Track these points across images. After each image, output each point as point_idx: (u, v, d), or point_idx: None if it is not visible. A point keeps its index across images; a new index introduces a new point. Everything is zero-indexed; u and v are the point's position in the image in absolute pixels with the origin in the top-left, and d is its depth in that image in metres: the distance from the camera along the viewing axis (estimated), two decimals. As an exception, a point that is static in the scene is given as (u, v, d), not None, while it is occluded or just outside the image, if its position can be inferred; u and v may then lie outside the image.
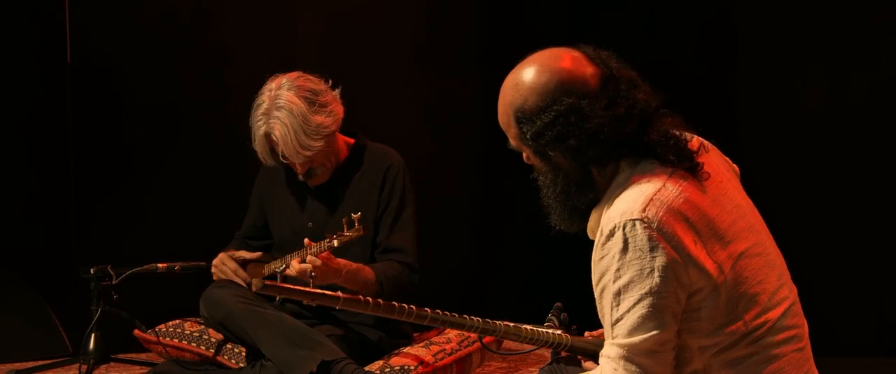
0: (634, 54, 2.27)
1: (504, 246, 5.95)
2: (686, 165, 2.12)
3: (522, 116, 2.14)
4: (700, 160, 2.15)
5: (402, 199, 3.82)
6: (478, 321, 2.31)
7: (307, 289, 2.27)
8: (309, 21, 5.67)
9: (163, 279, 4.11)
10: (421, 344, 3.89)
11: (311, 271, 3.45)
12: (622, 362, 2.06)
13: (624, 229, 2.04)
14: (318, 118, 3.69)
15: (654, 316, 2.03)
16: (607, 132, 2.08)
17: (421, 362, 3.75)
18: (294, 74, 3.78)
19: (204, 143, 5.39)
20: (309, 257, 3.50)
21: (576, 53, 2.16)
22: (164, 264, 4.06)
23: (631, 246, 2.03)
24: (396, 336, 3.92)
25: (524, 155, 2.25)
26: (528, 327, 2.35)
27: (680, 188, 2.08)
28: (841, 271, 4.75)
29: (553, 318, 2.72)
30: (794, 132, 4.96)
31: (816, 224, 4.86)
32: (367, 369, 3.62)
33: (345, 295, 2.27)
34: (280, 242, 3.95)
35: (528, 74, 2.15)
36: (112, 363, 4.27)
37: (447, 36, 5.98)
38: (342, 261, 3.57)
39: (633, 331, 2.05)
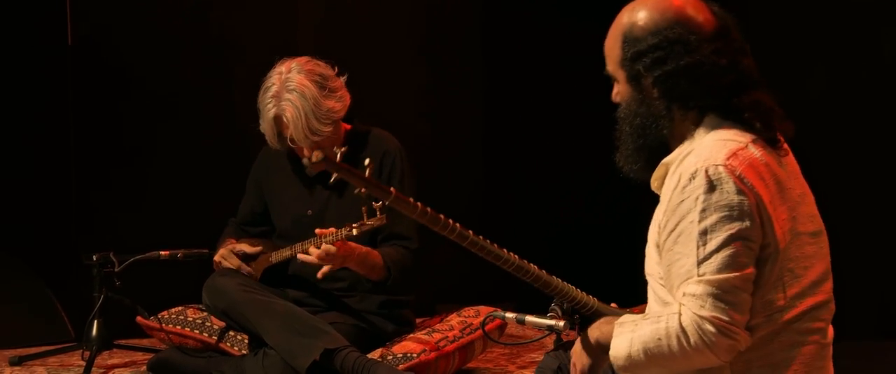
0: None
1: (506, 233, 5.95)
2: (768, 136, 2.18)
3: (629, 36, 2.21)
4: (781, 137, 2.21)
5: (401, 183, 3.80)
6: (515, 258, 2.30)
7: (362, 175, 2.19)
8: (310, 5, 5.65)
9: (165, 266, 4.11)
10: (423, 331, 3.89)
11: (327, 258, 3.48)
12: (710, 299, 2.06)
13: (707, 171, 2.08)
14: (329, 103, 3.68)
15: (743, 254, 2.07)
16: (704, 72, 2.15)
17: (424, 348, 3.75)
18: (303, 59, 3.75)
19: (207, 127, 5.38)
20: (324, 246, 3.50)
21: (700, 2, 2.24)
22: (167, 252, 4.06)
23: (717, 188, 2.07)
24: (399, 324, 3.92)
25: (614, 90, 2.29)
26: (558, 280, 2.33)
27: (760, 153, 2.15)
28: (841, 254, 4.75)
29: (556, 307, 2.72)
30: (795, 119, 4.95)
31: (818, 208, 4.86)
32: (369, 356, 3.62)
33: (396, 193, 2.23)
34: (281, 230, 3.95)
35: (647, 3, 2.23)
36: (115, 350, 4.28)
37: (448, 21, 5.97)
38: (352, 244, 3.57)
39: (722, 268, 2.06)
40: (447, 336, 3.86)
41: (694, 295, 2.09)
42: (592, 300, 2.35)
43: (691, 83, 2.16)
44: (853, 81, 4.86)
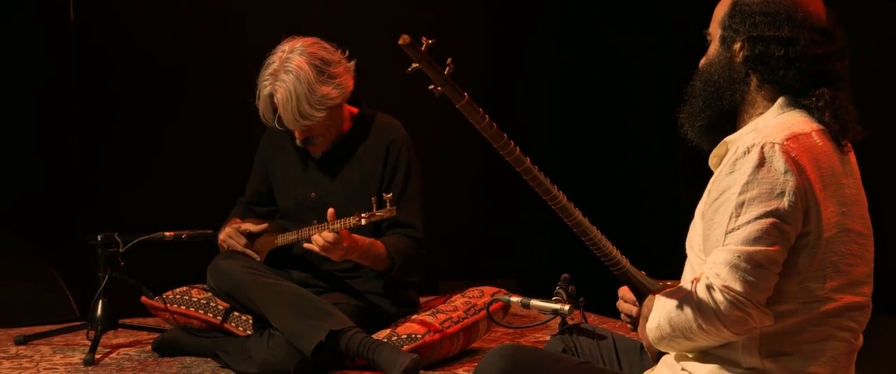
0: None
1: (511, 214, 5.96)
2: (835, 129, 2.18)
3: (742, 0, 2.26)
4: (848, 136, 2.22)
5: (408, 173, 3.79)
6: (563, 197, 2.29)
7: (442, 71, 2.16)
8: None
9: (170, 247, 4.10)
10: (428, 312, 3.90)
11: (327, 246, 3.48)
12: (728, 267, 2.06)
13: (762, 147, 2.09)
14: (325, 89, 3.65)
15: (773, 233, 2.06)
16: (796, 50, 2.18)
17: (428, 329, 3.76)
18: (310, 40, 3.73)
19: (211, 106, 5.37)
20: (325, 233, 3.50)
21: (821, 1, 2.27)
22: (171, 233, 4.04)
23: (766, 164, 2.08)
24: (404, 304, 3.93)
25: (703, 58, 2.31)
26: (597, 231, 2.32)
27: (822, 143, 2.15)
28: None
29: (561, 290, 2.72)
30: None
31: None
32: (374, 337, 3.63)
33: (469, 98, 2.21)
34: (284, 211, 3.95)
35: None
36: (120, 329, 4.29)
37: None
38: (357, 236, 3.57)
39: (747, 241, 2.06)
40: (451, 317, 3.86)
41: (714, 263, 2.08)
42: (625, 260, 2.33)
43: (779, 56, 2.19)
44: (859, 56, 4.83)
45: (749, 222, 2.07)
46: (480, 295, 4.06)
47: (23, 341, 4.32)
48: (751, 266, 2.05)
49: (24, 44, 5.24)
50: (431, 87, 2.17)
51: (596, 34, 5.87)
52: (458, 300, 4.01)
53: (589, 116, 6.02)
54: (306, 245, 3.58)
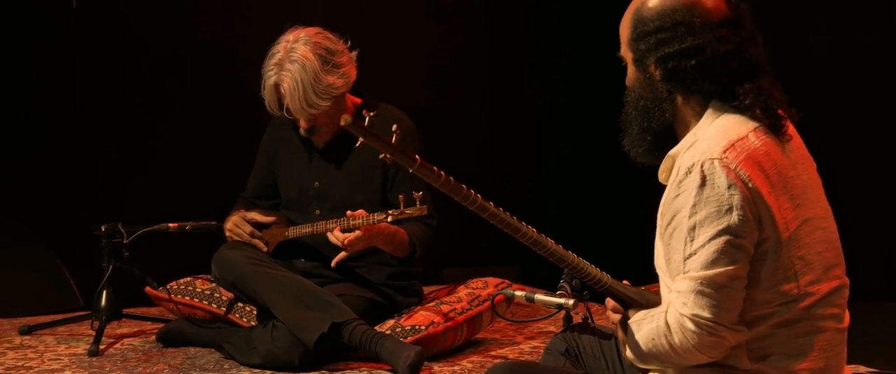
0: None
1: (512, 202, 5.95)
2: (770, 122, 2.16)
3: (638, 18, 2.22)
4: (784, 122, 2.19)
5: None
6: (533, 232, 2.29)
7: (390, 140, 2.17)
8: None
9: (174, 237, 4.10)
10: (432, 304, 3.91)
11: (353, 240, 3.51)
12: (693, 295, 2.07)
13: (702, 166, 2.08)
14: (330, 78, 3.67)
15: (729, 252, 2.06)
16: (707, 56, 2.14)
17: (432, 321, 3.76)
18: (313, 30, 3.74)
19: (215, 96, 5.36)
20: (354, 233, 3.51)
21: None
22: (176, 224, 4.05)
23: (708, 183, 2.07)
24: (408, 295, 3.94)
25: (626, 81, 2.29)
26: (573, 255, 2.33)
27: (761, 142, 2.13)
28: (849, 217, 4.72)
29: (565, 284, 2.71)
30: (796, 76, 4.91)
31: (824, 173, 4.83)
32: (377, 329, 3.64)
33: (421, 161, 2.20)
34: (287, 201, 3.95)
35: None
36: (124, 320, 4.30)
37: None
38: (383, 224, 3.58)
39: (706, 265, 2.07)
40: (455, 308, 3.87)
41: (679, 292, 2.10)
42: (606, 277, 2.34)
43: (692, 67, 2.15)
44: (861, 39, 4.82)
45: (704, 245, 2.07)
46: (484, 286, 4.07)
47: (27, 331, 4.33)
48: (714, 290, 2.06)
49: (27, 32, 5.23)
50: (382, 156, 2.17)
51: (598, 30, 5.86)
52: (462, 291, 4.02)
53: (591, 112, 6.01)
54: (331, 236, 3.59)
